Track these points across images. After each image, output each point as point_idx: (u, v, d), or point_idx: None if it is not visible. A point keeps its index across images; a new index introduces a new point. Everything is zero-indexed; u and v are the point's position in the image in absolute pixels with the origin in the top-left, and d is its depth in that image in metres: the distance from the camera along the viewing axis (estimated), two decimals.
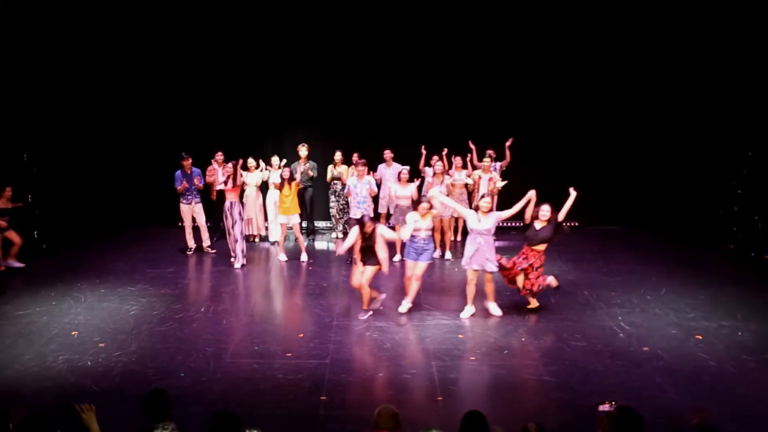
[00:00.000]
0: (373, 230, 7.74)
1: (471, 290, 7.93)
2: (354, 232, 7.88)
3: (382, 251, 7.79)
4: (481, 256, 7.75)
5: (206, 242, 10.99)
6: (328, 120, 12.27)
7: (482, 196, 7.92)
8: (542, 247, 7.82)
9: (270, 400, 5.96)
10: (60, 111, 11.50)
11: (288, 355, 6.94)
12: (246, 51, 11.99)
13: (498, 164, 10.92)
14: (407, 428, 4.25)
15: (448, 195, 10.02)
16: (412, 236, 7.97)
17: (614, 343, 7.13)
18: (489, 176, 10.47)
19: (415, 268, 8.05)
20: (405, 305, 8.12)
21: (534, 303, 8.12)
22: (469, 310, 7.96)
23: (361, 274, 7.89)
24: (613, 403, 4.12)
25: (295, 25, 11.84)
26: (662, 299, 8.48)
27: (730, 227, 10.82)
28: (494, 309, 8.01)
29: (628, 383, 6.22)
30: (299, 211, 10.32)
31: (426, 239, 8.02)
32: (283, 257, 10.42)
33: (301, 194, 10.86)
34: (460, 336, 7.40)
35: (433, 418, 5.59)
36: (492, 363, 6.68)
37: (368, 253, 7.81)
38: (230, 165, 10.17)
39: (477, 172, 10.59)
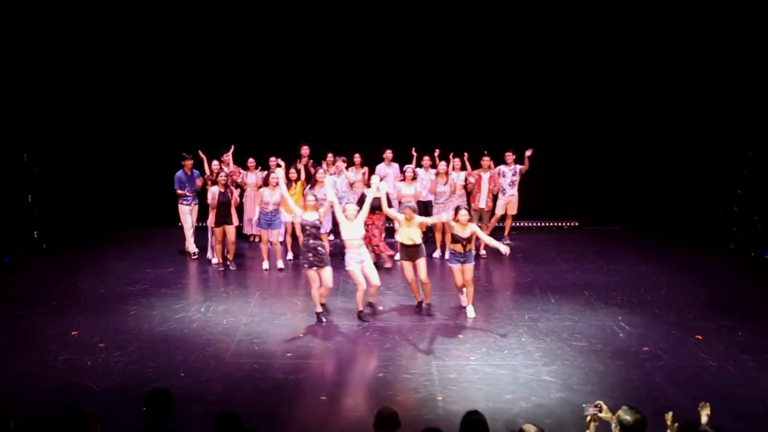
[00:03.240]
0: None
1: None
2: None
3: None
4: None
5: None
6: (325, 120, 12.23)
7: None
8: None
9: (270, 400, 5.97)
10: (60, 111, 11.47)
11: (288, 355, 6.94)
12: (245, 51, 11.96)
13: (518, 167, 10.84)
14: (407, 428, 4.26)
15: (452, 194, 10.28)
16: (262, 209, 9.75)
17: (614, 343, 7.13)
18: (489, 175, 10.40)
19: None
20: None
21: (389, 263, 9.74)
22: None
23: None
24: (597, 404, 4.01)
25: (294, 25, 11.81)
26: (662, 299, 8.48)
27: (730, 227, 10.81)
28: None
29: (628, 383, 6.22)
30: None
31: (272, 212, 9.72)
32: (289, 255, 10.48)
33: None
34: (460, 336, 7.40)
35: (432, 418, 5.60)
36: (492, 363, 6.69)
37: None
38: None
39: (476, 172, 10.54)
